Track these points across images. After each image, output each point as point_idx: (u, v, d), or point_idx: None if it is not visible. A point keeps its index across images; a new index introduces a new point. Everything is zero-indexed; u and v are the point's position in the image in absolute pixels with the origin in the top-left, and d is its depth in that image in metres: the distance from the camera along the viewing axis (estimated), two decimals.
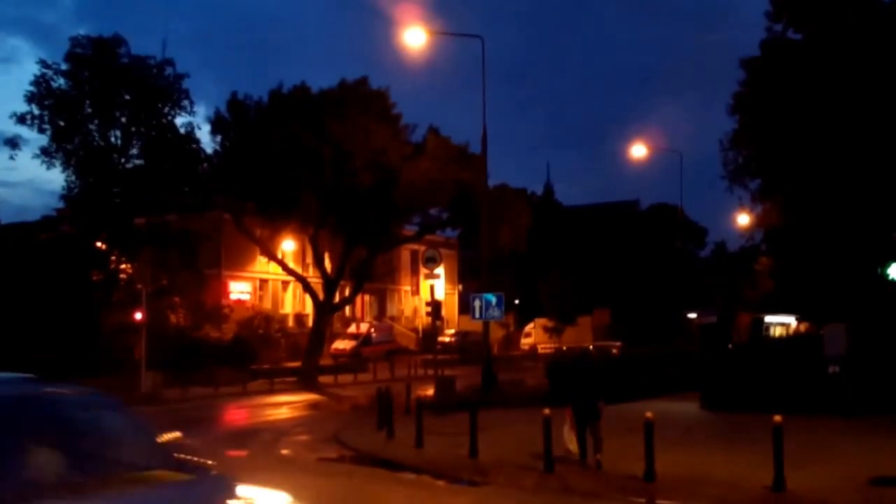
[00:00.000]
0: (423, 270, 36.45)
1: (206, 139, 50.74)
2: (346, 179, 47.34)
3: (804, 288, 49.71)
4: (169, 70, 48.87)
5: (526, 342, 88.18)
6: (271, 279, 72.15)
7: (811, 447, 19.22)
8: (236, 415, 36.85)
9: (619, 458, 18.37)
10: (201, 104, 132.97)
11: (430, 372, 40.31)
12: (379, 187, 47.87)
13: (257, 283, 71.68)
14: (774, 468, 15.28)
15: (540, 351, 79.09)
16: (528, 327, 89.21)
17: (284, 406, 38.29)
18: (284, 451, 24.30)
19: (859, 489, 15.53)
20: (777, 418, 15.45)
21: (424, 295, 71.66)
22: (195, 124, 50.29)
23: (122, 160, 48.92)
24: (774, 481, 15.26)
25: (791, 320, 65.86)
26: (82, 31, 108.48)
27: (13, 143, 46.32)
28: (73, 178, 47.82)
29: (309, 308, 65.84)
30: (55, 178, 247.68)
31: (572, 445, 18.85)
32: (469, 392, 34.32)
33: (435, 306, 36.92)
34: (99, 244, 48.79)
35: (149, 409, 36.97)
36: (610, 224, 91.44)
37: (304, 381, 49.76)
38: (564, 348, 75.92)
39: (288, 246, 64.78)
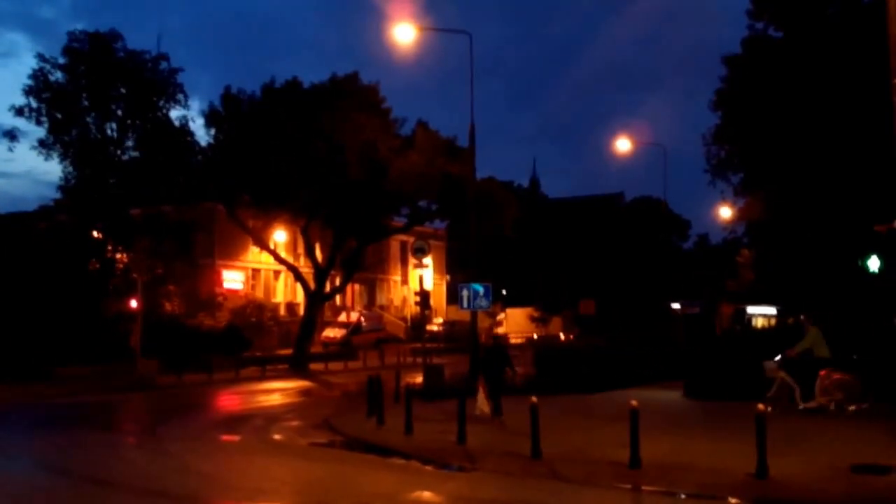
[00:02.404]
0: (412, 261, 37.00)
1: (201, 132, 51.30)
2: (336, 172, 47.56)
3: (785, 280, 50.40)
4: (164, 64, 49.81)
5: (495, 331, 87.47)
6: (264, 269, 72.69)
7: (793, 435, 19.32)
8: (229, 401, 36.76)
9: (605, 446, 18.75)
10: (195, 98, 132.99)
11: (419, 360, 40.75)
12: (369, 179, 48.11)
13: (250, 272, 72.12)
14: (757, 456, 15.36)
15: (511, 340, 79.43)
16: (500, 316, 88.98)
17: (276, 392, 38.38)
18: (276, 437, 24.30)
19: (841, 476, 15.63)
20: (760, 406, 15.59)
21: (413, 285, 72.38)
22: (189, 117, 51.19)
23: (118, 152, 49.66)
24: (757, 468, 15.34)
25: (772, 311, 66.68)
26: (79, 27, 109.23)
27: (11, 135, 46.97)
28: (71, 169, 48.61)
29: (300, 297, 66.42)
30: (52, 169, 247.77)
31: (485, 407, 24.08)
32: (457, 380, 34.55)
33: (423, 296, 37.31)
34: (95, 234, 49.43)
35: (144, 395, 37.75)
36: (595, 216, 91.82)
37: (296, 368, 50.26)
38: (535, 337, 76.92)
39: (280, 236, 65.10)
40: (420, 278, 36.77)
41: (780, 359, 24.58)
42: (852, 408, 22.39)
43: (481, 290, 33.73)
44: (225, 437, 24.43)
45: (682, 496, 14.95)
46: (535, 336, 79.81)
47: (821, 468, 16.36)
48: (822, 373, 23.60)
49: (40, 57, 47.77)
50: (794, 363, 24.23)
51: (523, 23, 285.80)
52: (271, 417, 28.87)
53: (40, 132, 47.88)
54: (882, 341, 26.75)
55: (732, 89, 46.16)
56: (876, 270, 35.83)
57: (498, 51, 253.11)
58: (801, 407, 23.54)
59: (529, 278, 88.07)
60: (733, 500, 14.46)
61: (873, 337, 28.53)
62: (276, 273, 73.76)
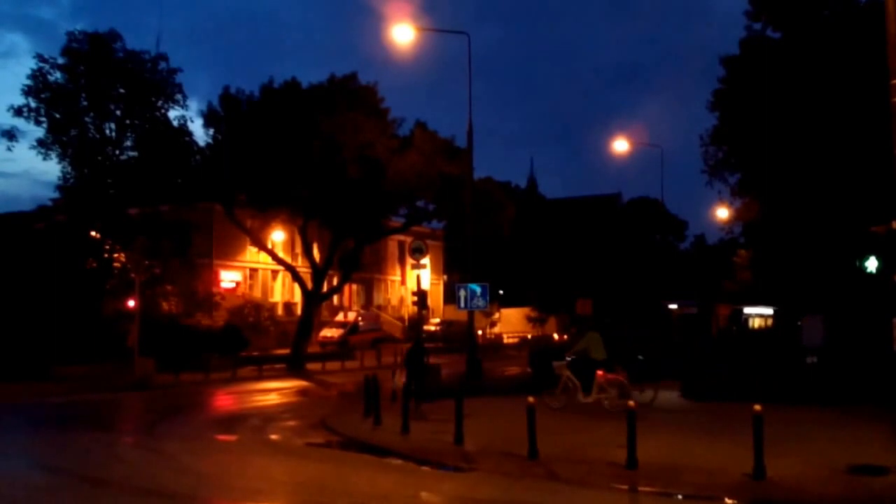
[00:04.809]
0: (410, 261, 37.00)
1: (199, 132, 51.35)
2: (335, 172, 47.51)
3: (782, 280, 50.34)
4: (162, 65, 49.89)
5: (491, 331, 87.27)
6: (261, 268, 72.85)
7: (790, 436, 19.34)
8: (226, 400, 36.79)
9: (602, 446, 18.80)
10: (194, 99, 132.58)
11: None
12: (367, 180, 48.11)
13: (247, 272, 72.39)
14: (754, 456, 15.41)
15: (505, 340, 79.31)
16: (495, 315, 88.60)
17: (273, 392, 38.38)
18: (273, 436, 24.32)
19: (838, 477, 15.71)
20: (757, 407, 15.55)
21: (411, 285, 72.44)
22: (188, 118, 51.26)
23: (117, 152, 49.78)
24: (754, 469, 15.37)
25: (769, 311, 66.63)
26: (79, 27, 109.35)
27: (10, 134, 47.05)
28: (69, 169, 48.71)
29: (298, 297, 66.46)
30: (51, 168, 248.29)
31: (398, 385, 28.26)
32: (454, 380, 34.59)
33: (421, 296, 37.33)
34: (93, 233, 49.50)
35: (141, 395, 37.74)
36: (592, 217, 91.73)
37: (293, 368, 50.22)
38: (529, 337, 77.07)
39: (278, 236, 65.35)
40: (418, 278, 36.76)
41: (567, 359, 27.49)
42: (631, 403, 23.74)
43: (479, 290, 33.83)
44: (222, 437, 24.41)
45: (679, 497, 15.01)
46: (529, 336, 79.96)
47: (818, 469, 16.42)
48: (599, 373, 26.10)
49: (39, 57, 47.86)
50: (578, 363, 26.81)
51: (521, 23, 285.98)
52: (268, 417, 28.92)
53: (39, 132, 48.03)
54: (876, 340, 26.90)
55: (730, 90, 46.13)
56: (874, 271, 35.79)
57: (496, 51, 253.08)
58: (581, 401, 25.90)
59: (526, 278, 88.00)
60: (730, 501, 14.51)
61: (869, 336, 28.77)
62: (274, 273, 73.95)
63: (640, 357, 31.22)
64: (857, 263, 37.57)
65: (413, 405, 24.41)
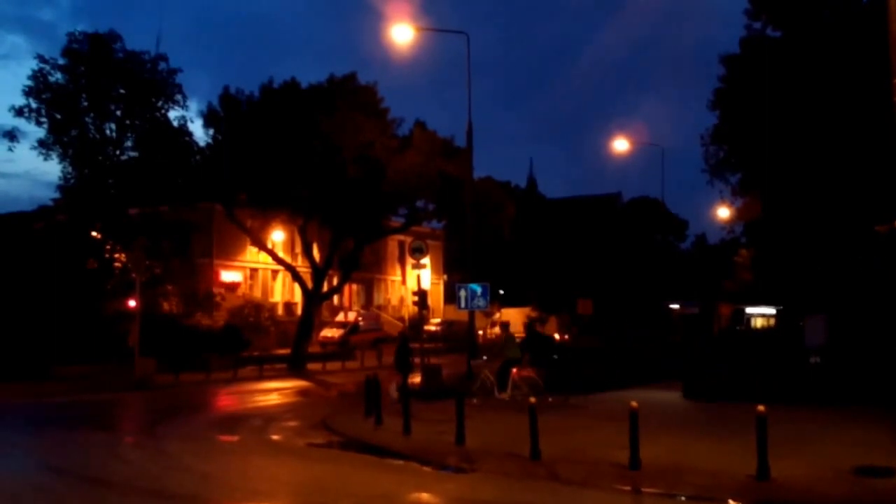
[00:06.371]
0: (410, 261, 36.88)
1: (199, 132, 51.33)
2: (334, 172, 47.54)
3: (784, 280, 50.27)
4: (162, 65, 49.86)
5: (492, 331, 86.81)
6: (261, 268, 72.90)
7: (794, 437, 19.30)
8: (227, 400, 36.78)
9: (604, 447, 18.74)
10: (194, 99, 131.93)
11: (417, 360, 40.93)
12: (367, 179, 48.14)
13: (248, 272, 72.43)
14: (758, 457, 15.35)
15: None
16: (496, 316, 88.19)
17: (274, 392, 38.38)
18: (274, 437, 24.32)
19: (843, 478, 15.61)
20: (761, 408, 15.49)
21: (411, 285, 72.37)
22: (188, 118, 51.25)
23: (117, 152, 49.80)
24: (758, 470, 15.31)
25: (771, 311, 66.63)
26: (79, 28, 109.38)
27: (11, 135, 47.06)
28: (70, 169, 48.74)
29: (298, 297, 66.57)
30: (51, 169, 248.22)
31: (395, 395, 27.55)
32: (455, 380, 34.58)
33: (421, 296, 37.25)
34: (94, 234, 49.53)
35: (141, 395, 37.70)
36: (592, 217, 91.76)
37: (293, 368, 50.29)
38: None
39: (278, 236, 65.30)
40: (418, 278, 36.68)
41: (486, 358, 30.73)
42: (550, 399, 26.59)
43: (479, 290, 33.77)
44: (223, 438, 24.40)
45: (683, 498, 14.95)
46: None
47: (823, 470, 16.34)
48: (514, 370, 28.69)
49: (40, 58, 47.91)
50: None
51: (520, 23, 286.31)
52: (269, 417, 28.88)
53: (40, 132, 48.10)
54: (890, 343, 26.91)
55: (731, 89, 46.01)
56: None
57: (495, 51, 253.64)
58: (497, 397, 28.03)
59: (527, 278, 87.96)
60: (734, 503, 14.42)
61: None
62: (274, 273, 73.99)
63: (556, 357, 34.24)
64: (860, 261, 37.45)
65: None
